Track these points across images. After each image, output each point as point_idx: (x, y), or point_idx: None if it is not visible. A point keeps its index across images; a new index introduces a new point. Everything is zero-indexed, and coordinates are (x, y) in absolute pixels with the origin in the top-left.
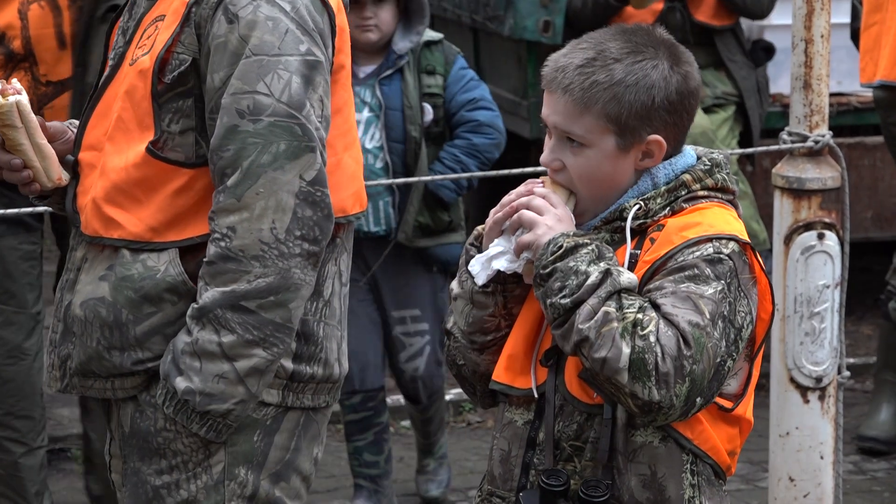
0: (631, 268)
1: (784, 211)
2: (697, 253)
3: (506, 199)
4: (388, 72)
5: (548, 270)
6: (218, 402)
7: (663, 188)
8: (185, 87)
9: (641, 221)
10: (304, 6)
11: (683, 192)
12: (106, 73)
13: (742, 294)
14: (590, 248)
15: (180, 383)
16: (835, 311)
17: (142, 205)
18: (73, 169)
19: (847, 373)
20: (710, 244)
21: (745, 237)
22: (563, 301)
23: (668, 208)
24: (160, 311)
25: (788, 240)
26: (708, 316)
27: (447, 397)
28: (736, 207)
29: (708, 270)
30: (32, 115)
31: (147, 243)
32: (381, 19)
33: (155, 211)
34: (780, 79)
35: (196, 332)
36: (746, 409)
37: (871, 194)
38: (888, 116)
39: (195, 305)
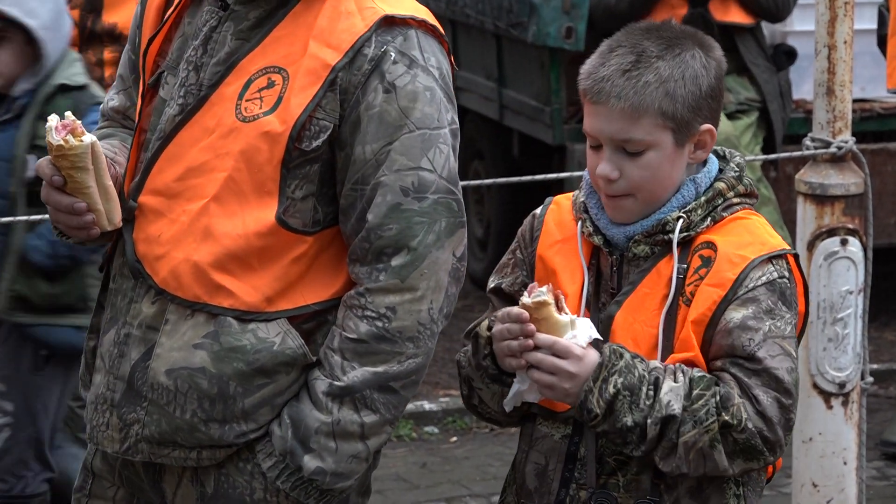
0: (681, 282)
1: (807, 217)
2: (764, 278)
3: (514, 329)
4: (5, 117)
5: (601, 429)
6: (345, 479)
7: (703, 199)
8: (318, 153)
9: (684, 234)
10: (446, 72)
11: (720, 201)
12: (174, 112)
13: (794, 301)
14: (621, 394)
15: (309, 463)
16: (858, 317)
17: (255, 273)
18: (129, 212)
19: (870, 378)
20: (772, 267)
21: (787, 245)
22: (636, 454)
23: (708, 218)
24: (273, 382)
25: (811, 246)
26: (794, 354)
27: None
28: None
29: (780, 304)
30: (103, 155)
31: (259, 314)
32: (1, 61)
33: (271, 280)
34: (804, 85)
35: (337, 412)
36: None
37: (894, 200)
38: None
39: (337, 384)
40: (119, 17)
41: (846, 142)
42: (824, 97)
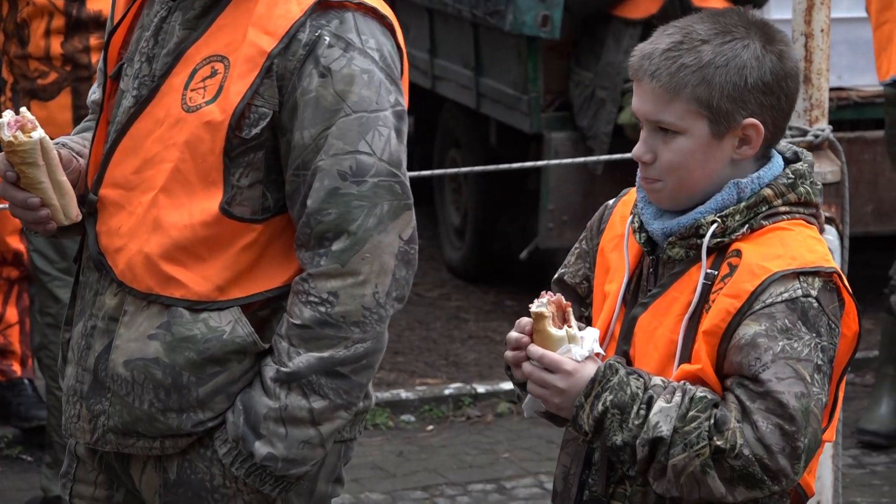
0: (706, 288)
1: None
2: (786, 295)
3: (511, 339)
4: None
5: (595, 446)
6: (298, 466)
7: (743, 204)
8: (259, 140)
9: (719, 240)
10: (388, 53)
11: (764, 209)
12: (129, 104)
13: (832, 326)
14: (610, 412)
15: (260, 449)
16: None
17: (205, 263)
18: (91, 206)
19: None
20: (798, 284)
21: (829, 263)
22: (631, 473)
23: (746, 226)
24: (225, 370)
25: None
26: (809, 379)
27: (447, 391)
28: (818, 218)
29: (799, 324)
30: (54, 150)
31: (211, 303)
32: None
33: (221, 269)
34: None
35: (284, 398)
36: (833, 432)
37: (871, 189)
38: None
39: (283, 370)
40: (104, 3)
41: (823, 130)
42: (801, 85)
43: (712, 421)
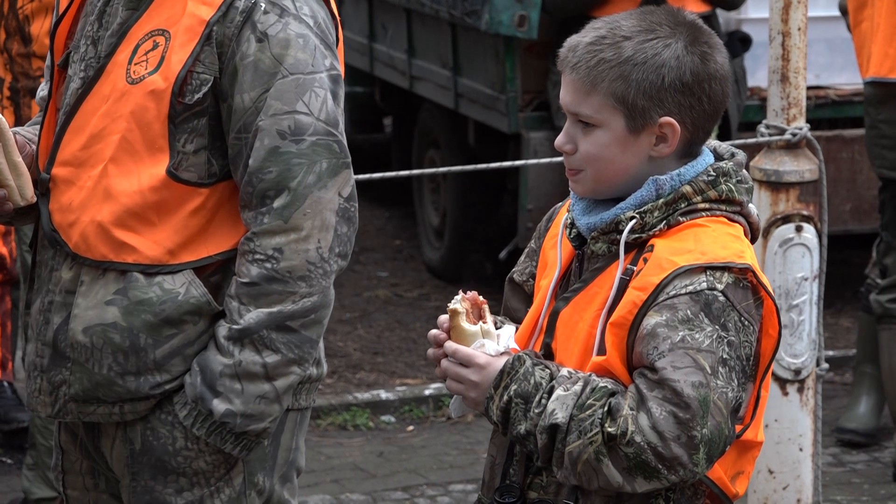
0: (624, 283)
1: (762, 204)
2: (690, 287)
3: (430, 336)
4: None
5: (507, 436)
6: (257, 421)
7: (662, 201)
8: (202, 106)
9: (637, 235)
10: (322, 20)
11: (683, 205)
12: (77, 86)
13: (745, 323)
14: (514, 402)
15: (218, 406)
16: (813, 304)
17: (156, 227)
18: (43, 185)
19: (826, 365)
20: (704, 277)
21: (743, 260)
22: (539, 463)
23: (664, 222)
24: (181, 332)
25: (766, 232)
26: (709, 369)
27: (427, 392)
28: (748, 217)
29: (702, 315)
30: (10, 132)
31: (163, 266)
32: None
33: (171, 233)
34: (758, 72)
35: (238, 354)
36: (757, 432)
37: (849, 187)
38: (877, 114)
39: (235, 327)
40: None
41: (801, 129)
42: (779, 84)
43: (606, 408)
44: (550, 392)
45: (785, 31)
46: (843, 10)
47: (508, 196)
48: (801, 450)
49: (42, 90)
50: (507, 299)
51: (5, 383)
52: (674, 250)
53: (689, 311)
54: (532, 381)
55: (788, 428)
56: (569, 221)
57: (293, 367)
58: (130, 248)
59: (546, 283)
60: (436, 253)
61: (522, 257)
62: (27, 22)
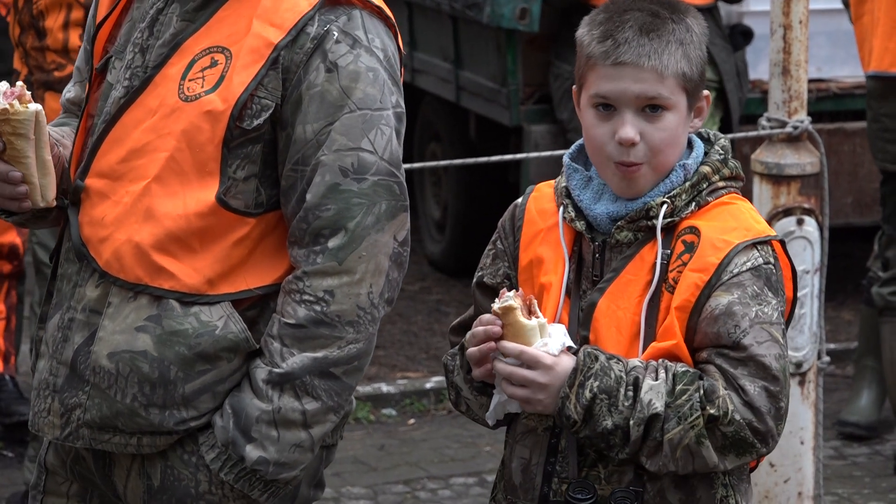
0: (664, 267)
1: (763, 197)
2: (749, 264)
3: (478, 333)
4: None
5: (582, 435)
6: (289, 470)
7: (688, 183)
8: (259, 132)
9: (668, 220)
10: (392, 54)
11: (705, 186)
12: (119, 95)
13: (780, 290)
14: (598, 398)
15: (251, 452)
16: (815, 297)
17: (197, 255)
18: (75, 194)
19: (827, 358)
20: (756, 252)
21: (771, 231)
22: (621, 456)
23: (693, 203)
24: (215, 368)
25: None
26: (782, 340)
27: (427, 385)
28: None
29: (766, 289)
30: (47, 128)
31: (201, 296)
32: None
33: (212, 262)
34: (760, 65)
35: (277, 400)
36: None
37: (850, 180)
38: (879, 107)
39: (276, 370)
40: None
41: (802, 122)
42: (780, 77)
43: (701, 392)
44: (635, 383)
45: (786, 23)
46: (846, 3)
47: (510, 189)
48: (802, 443)
49: (69, 91)
50: (478, 304)
51: (7, 377)
52: (721, 230)
53: (755, 287)
54: (613, 376)
55: (790, 421)
56: (573, 213)
57: (331, 414)
58: (168, 274)
59: (555, 280)
60: (437, 246)
61: (488, 260)
62: (41, 17)
